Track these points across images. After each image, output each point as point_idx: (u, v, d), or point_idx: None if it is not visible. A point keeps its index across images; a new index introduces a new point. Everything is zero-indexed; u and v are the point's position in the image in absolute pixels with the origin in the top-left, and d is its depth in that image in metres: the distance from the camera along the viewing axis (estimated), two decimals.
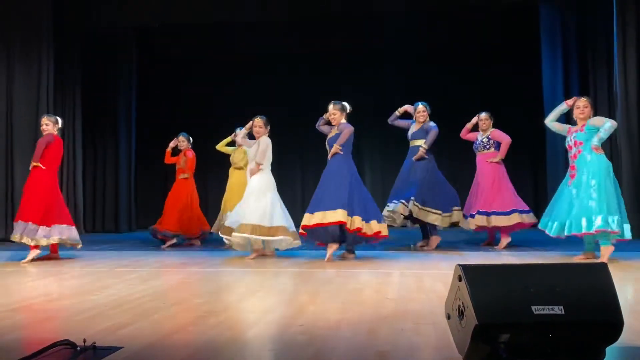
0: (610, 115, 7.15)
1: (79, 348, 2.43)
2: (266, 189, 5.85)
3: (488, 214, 6.25)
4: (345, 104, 5.76)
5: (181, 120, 9.97)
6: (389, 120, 6.58)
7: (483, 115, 6.54)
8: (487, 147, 6.47)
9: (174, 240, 7.05)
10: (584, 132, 5.18)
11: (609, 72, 7.72)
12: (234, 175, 7.12)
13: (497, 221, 6.23)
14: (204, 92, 10.27)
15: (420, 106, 6.42)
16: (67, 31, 8.72)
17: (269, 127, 6.03)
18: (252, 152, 6.04)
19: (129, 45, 9.81)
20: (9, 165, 7.98)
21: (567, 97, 8.18)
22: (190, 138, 7.44)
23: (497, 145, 6.44)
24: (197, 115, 10.17)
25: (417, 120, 6.43)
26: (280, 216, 5.77)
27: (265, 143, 5.92)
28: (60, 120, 6.06)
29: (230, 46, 9.97)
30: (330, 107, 5.75)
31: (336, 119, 5.72)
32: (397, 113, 6.51)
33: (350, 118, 5.78)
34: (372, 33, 9.59)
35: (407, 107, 6.47)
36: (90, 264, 5.53)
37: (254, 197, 5.80)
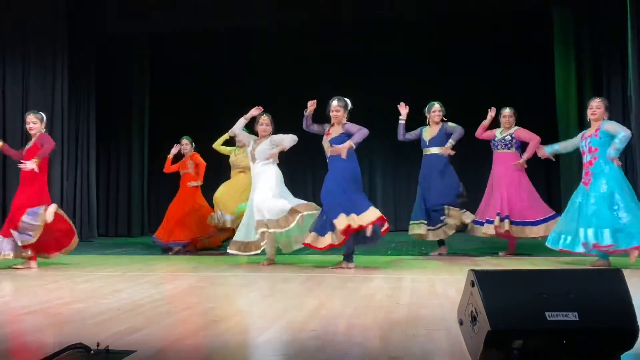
0: (625, 120, 7.08)
1: (92, 351, 2.45)
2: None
3: (517, 223, 5.95)
4: (349, 101, 5.41)
5: (194, 126, 10.01)
6: (400, 137, 6.22)
7: (507, 110, 6.22)
8: (509, 146, 6.14)
9: (179, 248, 6.89)
10: (599, 138, 5.05)
11: (623, 76, 7.65)
12: (237, 178, 6.78)
13: (529, 232, 5.94)
14: (217, 99, 10.31)
15: (436, 105, 6.16)
16: (81, 39, 8.81)
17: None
18: (260, 150, 5.67)
19: (142, 52, 9.89)
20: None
21: (580, 101, 8.17)
22: (193, 142, 7.25)
23: (519, 146, 6.15)
24: (210, 121, 10.19)
25: (432, 121, 6.14)
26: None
27: (283, 138, 5.64)
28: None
29: (244, 52, 10.02)
30: (335, 102, 5.35)
31: (339, 116, 5.32)
32: (402, 122, 6.12)
33: (361, 122, 5.54)
34: (383, 37, 9.58)
35: (402, 107, 6.10)
36: (102, 268, 5.56)
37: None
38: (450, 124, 6.14)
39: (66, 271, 5.40)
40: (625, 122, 6.95)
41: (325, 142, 5.39)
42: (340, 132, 5.33)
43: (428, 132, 6.22)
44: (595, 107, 5.09)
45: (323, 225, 5.19)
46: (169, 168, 7.31)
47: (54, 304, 3.79)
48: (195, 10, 8.40)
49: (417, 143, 6.40)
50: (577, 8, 8.26)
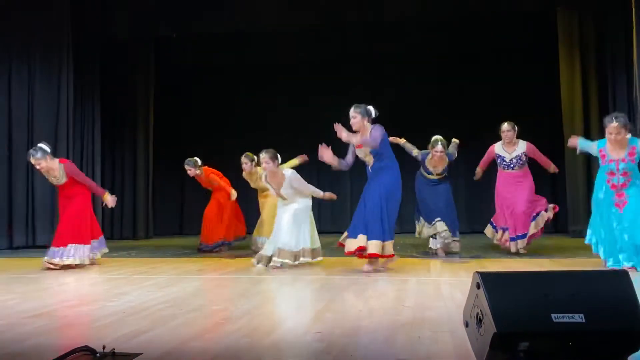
0: (630, 121, 7.03)
1: (98, 354, 2.45)
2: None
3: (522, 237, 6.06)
4: (371, 107, 5.08)
5: (199, 129, 10.05)
6: (412, 154, 6.35)
7: (505, 125, 6.10)
8: (522, 164, 6.13)
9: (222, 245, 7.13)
10: (635, 164, 4.96)
11: (628, 76, 7.63)
12: (270, 202, 6.50)
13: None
14: (222, 101, 10.34)
15: (439, 146, 6.14)
16: (86, 42, 8.85)
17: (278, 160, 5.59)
18: (286, 194, 5.55)
19: (147, 55, 9.92)
20: (29, 175, 8.09)
21: (586, 102, 8.16)
22: (196, 160, 7.15)
23: (527, 159, 6.14)
24: (214, 124, 10.24)
25: (435, 156, 6.20)
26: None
27: (295, 179, 5.49)
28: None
29: (248, 55, 10.03)
30: (351, 110, 5.05)
31: (356, 123, 5.00)
32: (406, 145, 6.32)
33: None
34: (387, 38, 9.58)
35: (396, 140, 6.14)
36: (108, 271, 5.58)
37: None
38: (448, 153, 6.24)
39: (72, 274, 5.42)
40: (630, 122, 6.91)
41: (360, 153, 5.15)
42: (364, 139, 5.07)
43: (431, 165, 6.32)
44: (615, 133, 4.87)
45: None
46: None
47: (60, 306, 3.81)
48: (200, 14, 8.43)
49: (424, 143, 6.40)
50: (581, 9, 8.24)
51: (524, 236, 6.02)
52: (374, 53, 9.82)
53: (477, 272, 2.17)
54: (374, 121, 5.13)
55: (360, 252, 4.98)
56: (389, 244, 5.00)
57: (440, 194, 6.31)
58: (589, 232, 5.22)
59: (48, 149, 5.69)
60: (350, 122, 5.14)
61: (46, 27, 8.17)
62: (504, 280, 2.16)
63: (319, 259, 5.65)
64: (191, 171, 7.09)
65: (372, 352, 2.55)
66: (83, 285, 4.84)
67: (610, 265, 4.97)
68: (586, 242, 5.24)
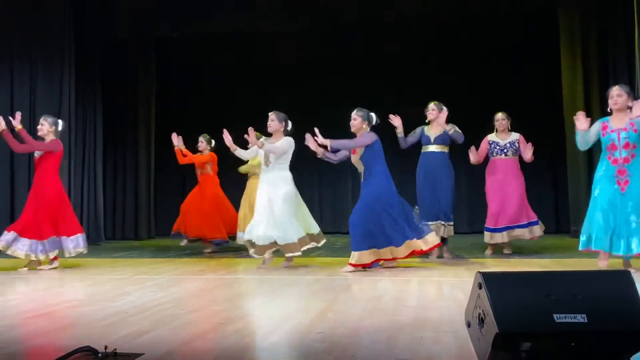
0: None
1: (100, 354, 2.45)
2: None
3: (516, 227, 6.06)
4: (373, 115, 5.25)
5: (200, 129, 10.03)
6: (404, 146, 6.04)
7: (500, 115, 6.28)
8: (515, 151, 6.20)
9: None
10: (637, 133, 4.51)
11: (630, 75, 7.62)
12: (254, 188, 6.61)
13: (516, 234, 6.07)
14: (223, 102, 10.34)
15: (430, 104, 5.99)
16: (88, 43, 8.86)
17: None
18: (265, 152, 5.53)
19: (148, 55, 9.94)
20: (31, 175, 8.09)
21: (587, 101, 8.14)
22: (210, 139, 7.40)
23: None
24: (216, 124, 10.20)
25: (433, 122, 5.93)
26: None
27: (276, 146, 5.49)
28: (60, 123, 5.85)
29: (248, 55, 10.04)
30: (353, 112, 5.23)
31: (355, 125, 5.18)
32: (399, 135, 5.91)
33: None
34: (388, 38, 9.58)
35: (395, 120, 5.79)
36: (110, 271, 5.58)
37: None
38: (449, 126, 5.91)
39: (73, 274, 5.43)
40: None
41: (353, 159, 5.28)
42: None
43: (430, 131, 6.02)
44: (617, 95, 4.56)
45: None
46: (182, 160, 7.28)
47: (61, 307, 3.81)
48: (201, 15, 8.43)
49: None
50: (583, 8, 8.23)
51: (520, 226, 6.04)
52: (375, 53, 9.82)
53: (479, 272, 2.16)
54: (374, 129, 5.22)
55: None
56: (362, 254, 5.10)
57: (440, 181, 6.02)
58: (582, 235, 4.81)
59: (60, 126, 5.83)
60: (350, 123, 5.23)
61: (47, 28, 8.17)
62: (506, 281, 2.15)
63: (324, 241, 5.66)
64: (203, 144, 7.26)
65: (373, 353, 2.55)
66: (84, 285, 4.85)
67: (619, 252, 4.55)
68: (580, 248, 4.81)
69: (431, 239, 5.27)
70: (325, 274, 5.19)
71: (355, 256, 5.13)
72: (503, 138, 6.28)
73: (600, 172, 4.75)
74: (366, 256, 5.13)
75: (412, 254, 5.26)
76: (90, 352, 2.46)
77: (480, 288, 2.13)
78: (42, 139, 5.77)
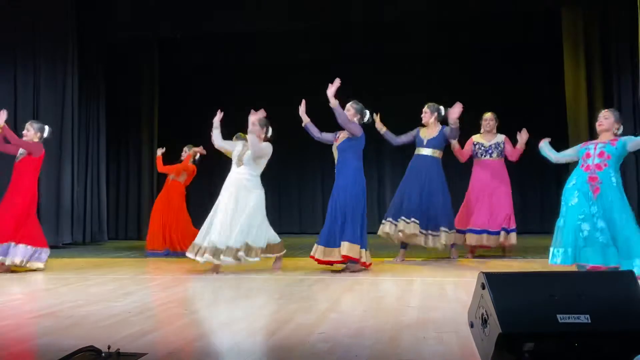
0: (635, 120, 7.02)
1: (103, 354, 2.46)
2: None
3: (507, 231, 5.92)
4: (367, 111, 5.30)
5: (203, 128, 10.03)
6: (395, 143, 5.97)
7: (489, 115, 6.17)
8: (500, 152, 6.13)
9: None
10: (615, 147, 4.57)
11: (633, 76, 7.60)
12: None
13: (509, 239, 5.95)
14: (226, 101, 10.31)
15: (424, 107, 5.88)
16: (91, 44, 8.89)
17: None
18: (248, 156, 5.38)
19: (151, 55, 9.95)
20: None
21: (590, 102, 8.12)
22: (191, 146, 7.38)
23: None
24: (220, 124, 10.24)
25: (427, 123, 5.83)
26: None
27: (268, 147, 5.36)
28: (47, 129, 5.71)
29: (252, 55, 10.05)
30: (348, 104, 5.26)
31: (348, 115, 5.18)
32: (383, 131, 5.83)
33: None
34: (391, 38, 9.58)
35: (377, 119, 5.81)
36: (113, 271, 5.60)
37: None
38: (448, 128, 5.84)
39: (77, 274, 5.44)
40: (635, 122, 6.88)
41: (334, 149, 5.30)
42: (347, 136, 5.22)
43: (425, 134, 5.92)
44: (603, 117, 4.68)
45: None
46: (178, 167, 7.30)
47: (64, 306, 3.82)
48: (204, 15, 8.44)
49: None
50: (586, 8, 8.21)
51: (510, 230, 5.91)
52: (378, 53, 9.81)
53: (482, 273, 2.16)
54: (363, 127, 5.27)
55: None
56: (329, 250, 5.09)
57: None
58: (552, 249, 4.58)
59: (46, 133, 5.73)
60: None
61: (51, 28, 8.19)
62: (509, 281, 2.15)
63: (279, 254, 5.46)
64: (185, 154, 7.21)
65: (376, 353, 2.55)
66: (88, 285, 4.86)
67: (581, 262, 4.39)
68: (550, 262, 4.56)
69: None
70: (327, 274, 5.19)
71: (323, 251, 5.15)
72: (488, 139, 6.19)
73: (570, 183, 4.69)
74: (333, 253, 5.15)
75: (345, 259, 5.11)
76: (93, 351, 2.47)
77: (483, 288, 2.13)
78: None
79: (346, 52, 9.81)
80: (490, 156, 6.15)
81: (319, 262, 5.19)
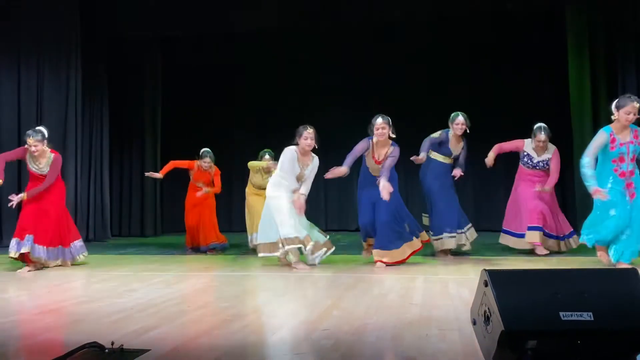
0: None
1: (107, 350, 2.47)
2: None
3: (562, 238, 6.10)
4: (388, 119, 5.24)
5: (206, 127, 10.06)
6: (426, 150, 5.85)
7: (542, 136, 5.89)
8: (546, 165, 6.05)
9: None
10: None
11: (638, 76, 7.58)
12: (260, 201, 6.38)
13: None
14: (229, 101, 10.35)
15: (460, 117, 5.75)
16: (94, 43, 8.89)
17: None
18: (310, 171, 5.47)
19: (154, 54, 9.95)
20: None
21: (595, 103, 8.08)
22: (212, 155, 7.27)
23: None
24: (222, 123, 10.25)
25: (455, 133, 5.76)
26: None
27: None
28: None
29: (255, 55, 10.04)
30: (379, 120, 5.11)
31: (386, 134, 5.10)
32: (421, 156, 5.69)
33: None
34: (393, 39, 9.56)
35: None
36: (116, 268, 5.61)
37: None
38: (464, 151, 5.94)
39: (81, 271, 5.45)
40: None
41: (372, 164, 5.32)
42: (387, 154, 5.22)
43: (453, 144, 5.90)
44: (634, 113, 4.57)
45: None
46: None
47: (69, 303, 3.83)
48: (206, 14, 8.44)
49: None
50: (591, 8, 8.18)
51: (571, 234, 6.10)
52: (380, 53, 9.79)
53: (485, 270, 2.16)
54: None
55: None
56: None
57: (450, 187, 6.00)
58: (585, 232, 4.87)
59: (46, 134, 5.58)
60: (378, 133, 5.17)
61: (54, 28, 8.20)
62: (512, 278, 2.15)
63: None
64: (207, 163, 7.03)
65: (379, 350, 2.56)
66: (91, 282, 4.87)
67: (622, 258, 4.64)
68: (586, 243, 4.89)
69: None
70: (331, 271, 5.19)
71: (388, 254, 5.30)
72: (539, 154, 6.07)
73: (607, 184, 4.71)
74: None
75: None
76: (97, 347, 2.48)
77: (486, 286, 2.13)
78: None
79: (350, 51, 9.79)
80: (536, 169, 6.08)
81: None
